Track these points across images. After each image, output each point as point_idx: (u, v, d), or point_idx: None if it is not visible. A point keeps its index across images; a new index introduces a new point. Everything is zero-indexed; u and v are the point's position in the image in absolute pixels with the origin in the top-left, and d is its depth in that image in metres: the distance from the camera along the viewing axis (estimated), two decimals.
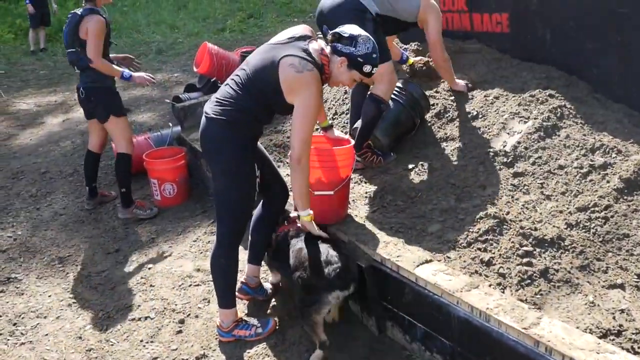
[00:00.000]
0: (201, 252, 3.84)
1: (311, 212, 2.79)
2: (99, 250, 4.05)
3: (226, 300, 2.91)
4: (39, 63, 10.65)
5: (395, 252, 2.76)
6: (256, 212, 3.13)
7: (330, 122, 3.22)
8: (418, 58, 4.39)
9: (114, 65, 4.25)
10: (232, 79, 2.75)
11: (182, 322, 3.15)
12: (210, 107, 2.73)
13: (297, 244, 2.87)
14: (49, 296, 3.51)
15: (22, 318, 3.31)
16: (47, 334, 3.15)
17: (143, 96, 7.92)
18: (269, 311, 3.16)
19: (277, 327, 2.99)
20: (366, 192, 3.52)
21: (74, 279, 3.69)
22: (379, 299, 2.84)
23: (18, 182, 5.34)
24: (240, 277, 3.16)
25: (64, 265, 3.86)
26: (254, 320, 3.00)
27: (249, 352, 2.85)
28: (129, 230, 4.30)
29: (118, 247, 4.05)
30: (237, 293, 3.09)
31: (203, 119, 2.76)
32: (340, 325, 3.00)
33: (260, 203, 3.14)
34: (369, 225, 3.08)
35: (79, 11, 4.12)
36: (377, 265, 2.78)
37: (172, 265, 3.75)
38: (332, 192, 3.00)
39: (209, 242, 3.93)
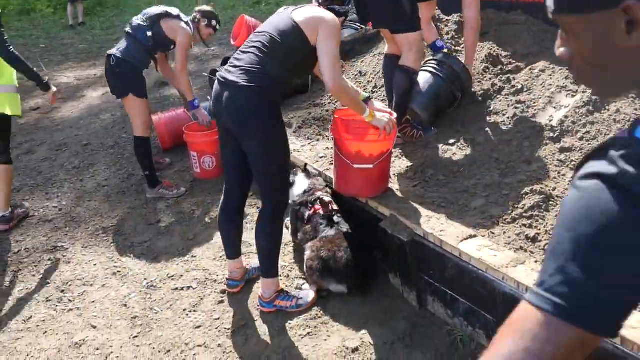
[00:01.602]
0: None
1: (369, 110, 2.82)
2: (141, 221, 4.13)
3: (269, 270, 2.94)
4: (77, 37, 10.80)
5: (438, 226, 2.74)
6: (225, 205, 3.02)
7: (368, 94, 3.18)
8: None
9: (192, 88, 4.43)
10: (254, 46, 2.71)
11: (223, 292, 3.20)
12: (235, 76, 2.63)
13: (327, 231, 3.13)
14: (94, 265, 3.60)
15: (70, 285, 3.41)
16: (93, 301, 3.24)
17: None
18: (308, 284, 3.18)
19: (318, 299, 3.01)
20: (407, 167, 3.49)
21: (117, 249, 3.77)
22: (421, 274, 2.83)
23: (62, 154, 5.46)
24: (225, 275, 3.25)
25: (108, 235, 3.95)
26: (295, 292, 3.03)
27: (290, 323, 2.88)
28: (170, 202, 4.37)
29: (159, 219, 4.13)
30: (227, 289, 3.17)
31: (227, 88, 2.64)
32: (381, 300, 3.01)
33: (226, 194, 3.01)
34: (411, 200, 3.06)
35: (175, 12, 4.22)
36: (419, 239, 2.76)
37: (213, 236, 3.80)
38: (371, 166, 2.99)
39: (248, 214, 3.96)
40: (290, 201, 3.46)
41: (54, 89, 4.34)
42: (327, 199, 3.37)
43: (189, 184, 4.65)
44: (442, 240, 2.63)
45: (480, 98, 3.82)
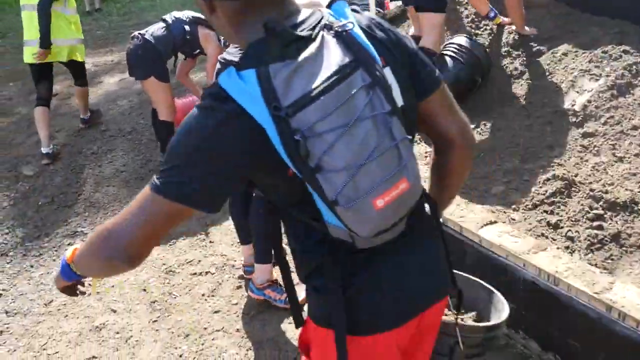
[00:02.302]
0: None
1: None
2: None
3: (262, 254, 2.89)
4: (94, 23, 10.82)
5: (458, 212, 2.71)
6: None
7: None
8: (508, 19, 3.97)
9: None
10: None
11: (241, 277, 3.21)
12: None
13: None
14: None
15: None
16: (113, 286, 3.27)
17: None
18: None
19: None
20: (425, 152, 3.45)
21: None
22: None
23: (80, 140, 5.49)
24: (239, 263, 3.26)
25: None
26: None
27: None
28: None
29: None
30: (245, 275, 3.16)
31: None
32: None
33: None
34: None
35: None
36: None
37: (230, 222, 3.80)
38: None
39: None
40: None
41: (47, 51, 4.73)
42: None
43: None
44: (462, 226, 2.60)
45: (500, 82, 3.76)
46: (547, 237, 2.54)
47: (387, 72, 1.11)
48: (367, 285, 1.18)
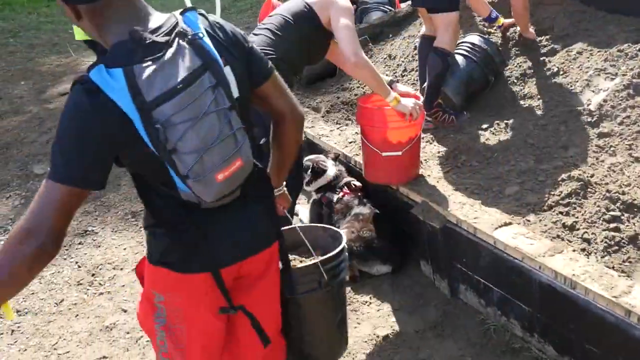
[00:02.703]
0: None
1: (395, 94, 2.73)
2: None
3: None
4: None
5: (472, 213, 2.67)
6: None
7: (392, 77, 3.10)
8: (510, 21, 3.87)
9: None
10: (267, 28, 2.68)
11: None
12: None
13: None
14: (124, 249, 3.62)
15: (100, 269, 3.44)
16: (123, 285, 3.26)
17: None
18: None
19: (347, 287, 2.97)
20: (438, 152, 3.41)
21: None
22: (453, 261, 2.77)
23: None
24: None
25: (137, 220, 3.96)
26: None
27: None
28: None
29: None
30: None
31: None
32: (412, 287, 2.96)
33: None
34: (443, 186, 2.99)
35: None
36: (452, 226, 2.70)
37: None
38: (400, 153, 2.92)
39: None
40: (313, 190, 3.44)
41: None
42: (357, 183, 3.34)
43: None
44: (476, 227, 2.57)
45: (514, 81, 3.71)
46: (563, 239, 2.50)
47: (227, 71, 1.36)
48: (196, 234, 1.46)
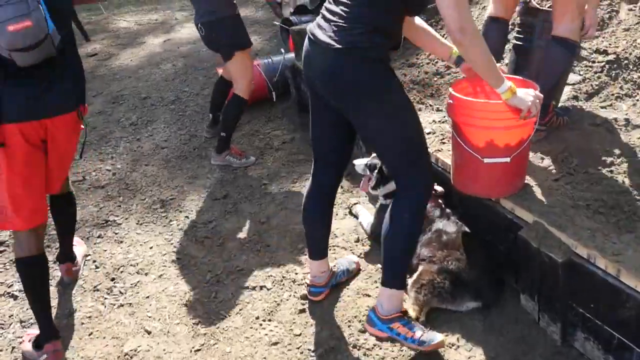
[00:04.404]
0: None
1: (509, 83, 2.01)
2: (204, 194, 3.54)
3: (397, 277, 2.24)
4: None
5: (609, 246, 2.00)
6: (314, 189, 2.40)
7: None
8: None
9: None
10: None
11: (304, 298, 2.58)
12: (329, 35, 1.94)
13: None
14: (150, 248, 3.04)
15: (121, 272, 2.87)
16: (148, 296, 2.69)
17: (247, 17, 7.28)
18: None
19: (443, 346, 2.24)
20: (542, 153, 2.72)
21: (177, 229, 3.20)
22: (573, 303, 2.12)
23: (118, 107, 4.93)
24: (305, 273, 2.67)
25: (166, 210, 3.38)
26: (419, 325, 2.27)
27: (399, 351, 2.23)
28: (237, 172, 3.77)
29: (226, 193, 3.52)
30: (309, 296, 2.55)
31: (321, 51, 1.98)
32: (510, 326, 2.32)
33: (315, 176, 2.38)
34: (557, 201, 2.31)
35: None
36: (581, 262, 2.04)
37: (289, 220, 3.17)
38: (508, 159, 2.24)
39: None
40: (381, 195, 2.83)
41: None
42: (439, 188, 2.69)
43: (258, 151, 4.03)
44: (620, 269, 1.90)
45: (629, 67, 2.98)
46: None
47: None
48: (10, 90, 2.04)
